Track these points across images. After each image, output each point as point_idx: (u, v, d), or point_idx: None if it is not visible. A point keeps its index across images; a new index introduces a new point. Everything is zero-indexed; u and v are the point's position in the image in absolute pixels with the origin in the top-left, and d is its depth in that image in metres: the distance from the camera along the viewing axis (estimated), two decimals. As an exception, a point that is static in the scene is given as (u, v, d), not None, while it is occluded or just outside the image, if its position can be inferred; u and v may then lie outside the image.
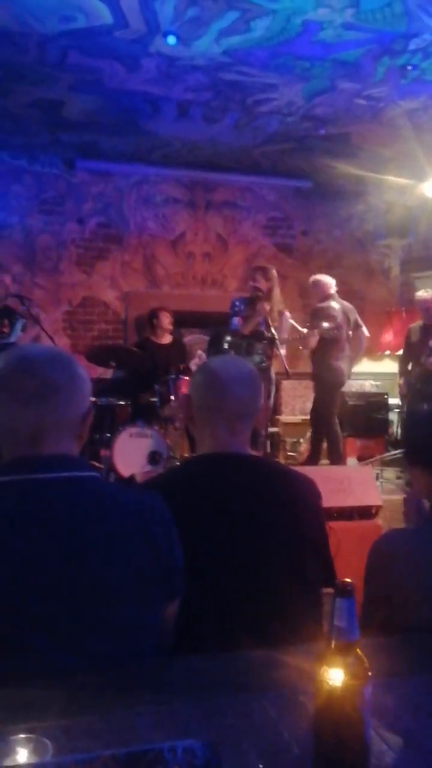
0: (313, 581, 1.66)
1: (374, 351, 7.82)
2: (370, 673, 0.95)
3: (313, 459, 5.99)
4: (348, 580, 0.96)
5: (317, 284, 6.03)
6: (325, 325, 5.58)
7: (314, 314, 5.83)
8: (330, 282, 6.03)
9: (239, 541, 1.61)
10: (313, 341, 5.77)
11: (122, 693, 1.18)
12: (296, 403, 7.33)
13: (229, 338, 5.26)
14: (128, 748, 0.91)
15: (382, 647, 1.30)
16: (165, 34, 4.41)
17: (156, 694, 1.18)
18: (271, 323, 4.99)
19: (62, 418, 1.37)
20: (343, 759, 0.95)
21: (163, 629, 1.42)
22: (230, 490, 1.66)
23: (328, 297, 5.93)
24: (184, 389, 5.40)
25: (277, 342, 4.91)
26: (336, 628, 0.95)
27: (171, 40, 4.47)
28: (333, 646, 0.95)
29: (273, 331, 4.94)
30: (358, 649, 0.95)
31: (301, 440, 7.02)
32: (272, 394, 5.56)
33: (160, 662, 1.34)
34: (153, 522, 1.38)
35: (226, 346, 5.24)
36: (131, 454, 5.43)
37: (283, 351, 5.07)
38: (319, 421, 6.00)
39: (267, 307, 5.11)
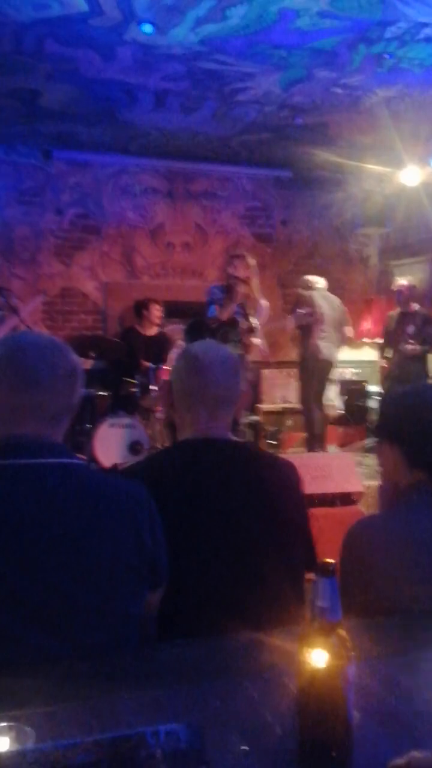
0: (296, 565, 1.68)
1: (354, 339, 7.86)
2: (353, 653, 0.96)
3: (311, 441, 6.11)
4: (329, 560, 0.96)
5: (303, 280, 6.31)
6: (300, 311, 5.71)
7: (294, 301, 5.99)
8: (316, 279, 6.32)
9: (221, 527, 1.62)
10: (289, 325, 5.90)
11: (105, 680, 1.18)
12: (276, 392, 7.35)
13: (205, 326, 5.28)
14: (111, 733, 0.91)
15: (364, 628, 1.32)
16: (141, 23, 4.37)
17: (139, 680, 1.18)
18: (248, 312, 5.00)
19: (47, 406, 1.38)
20: (326, 739, 0.96)
21: (146, 618, 1.42)
22: (211, 476, 1.67)
23: (310, 289, 6.11)
24: (165, 379, 5.40)
25: (256, 330, 4.92)
26: (318, 608, 0.95)
27: (147, 28, 4.44)
28: (315, 626, 0.95)
29: (251, 319, 4.94)
30: (340, 629, 0.96)
31: (281, 429, 7.05)
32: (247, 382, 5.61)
33: (142, 649, 1.36)
34: (137, 509, 1.39)
35: (203, 333, 5.26)
36: (112, 444, 5.43)
37: (260, 339, 5.09)
38: (302, 404, 6.15)
39: (244, 292, 5.12)
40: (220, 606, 1.53)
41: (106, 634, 1.30)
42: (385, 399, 1.80)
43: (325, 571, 0.96)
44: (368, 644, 1.23)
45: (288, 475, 1.78)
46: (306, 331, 6.06)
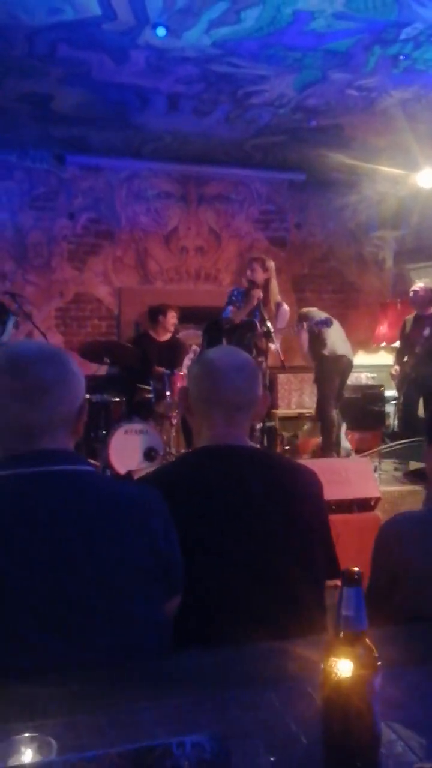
0: (317, 572, 1.64)
1: (369, 343, 7.82)
2: (379, 663, 0.93)
3: (326, 445, 6.08)
4: (355, 568, 0.93)
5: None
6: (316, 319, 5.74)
7: (299, 317, 6.06)
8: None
9: (239, 535, 1.59)
10: (305, 339, 5.95)
11: (127, 689, 1.16)
12: (292, 397, 7.31)
13: (221, 327, 5.28)
14: (135, 744, 0.89)
15: (390, 637, 1.29)
16: (154, 26, 4.36)
17: (161, 689, 1.16)
18: (266, 315, 4.97)
19: (55, 415, 1.37)
20: (352, 750, 0.93)
21: (164, 625, 1.40)
22: (229, 483, 1.64)
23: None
24: (180, 384, 5.38)
25: (273, 335, 4.89)
26: (344, 617, 0.93)
27: (160, 31, 4.43)
28: (341, 636, 0.93)
29: (268, 324, 4.92)
30: (366, 639, 0.93)
31: (297, 434, 7.01)
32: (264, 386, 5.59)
33: (164, 657, 1.33)
34: (150, 516, 1.38)
35: (218, 335, 5.26)
36: (127, 451, 5.41)
37: (278, 344, 5.07)
38: (318, 407, 6.09)
39: (260, 296, 5.09)
40: (239, 614, 1.50)
41: (125, 642, 1.28)
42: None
43: (350, 580, 0.94)
44: (393, 652, 1.20)
45: (309, 482, 1.75)
46: (319, 335, 6.02)
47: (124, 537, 1.32)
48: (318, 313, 6.07)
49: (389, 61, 4.87)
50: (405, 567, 1.52)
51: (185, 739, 0.88)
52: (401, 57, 4.81)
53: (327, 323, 5.65)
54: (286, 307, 5.43)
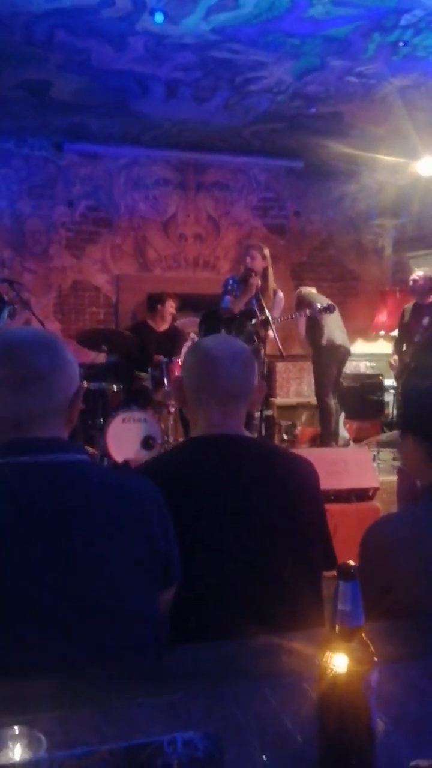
0: (313, 564, 1.64)
1: (368, 332, 7.80)
2: (375, 659, 0.93)
3: (325, 434, 6.09)
4: (351, 562, 0.93)
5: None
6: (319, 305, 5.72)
7: (298, 300, 6.11)
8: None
9: (236, 525, 1.58)
10: (302, 324, 5.96)
11: (120, 684, 1.15)
12: (291, 386, 7.30)
13: (219, 317, 5.25)
14: (127, 741, 0.88)
15: (385, 632, 1.28)
16: (152, 12, 4.32)
17: (155, 685, 1.16)
18: (265, 304, 4.95)
19: (49, 403, 1.35)
20: (348, 746, 0.93)
21: (160, 617, 1.39)
22: (225, 473, 1.63)
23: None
24: (178, 372, 5.36)
25: (271, 323, 4.88)
26: (340, 612, 0.92)
27: (158, 17, 4.38)
28: (337, 631, 0.92)
29: (267, 311, 4.90)
30: (363, 634, 0.93)
31: (296, 423, 7.00)
32: (262, 375, 5.57)
33: (158, 652, 1.32)
34: (145, 506, 1.37)
35: (216, 325, 5.23)
36: (125, 439, 5.39)
37: (276, 332, 5.05)
38: (317, 393, 6.12)
39: (259, 284, 5.07)
40: (235, 606, 1.50)
41: (120, 635, 1.28)
42: (411, 392, 1.78)
43: (347, 574, 0.93)
44: (389, 648, 1.19)
45: (305, 472, 1.73)
46: (317, 323, 6.03)
47: (119, 528, 1.31)
48: (319, 298, 6.06)
49: (389, 48, 4.83)
50: (396, 572, 1.51)
51: (177, 737, 0.88)
52: (401, 44, 4.76)
53: (329, 310, 5.64)
54: (281, 294, 5.41)
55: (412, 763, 0.90)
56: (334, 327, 6.12)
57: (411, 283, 6.25)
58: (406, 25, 4.50)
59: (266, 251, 5.28)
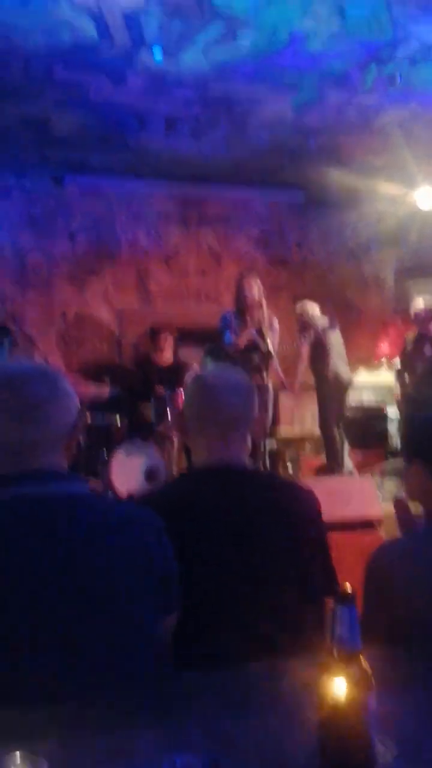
0: (316, 592, 1.62)
1: (371, 361, 7.78)
2: (373, 683, 0.89)
3: (332, 466, 6.04)
4: (349, 586, 0.90)
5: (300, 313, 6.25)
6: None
7: (300, 322, 6.12)
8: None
9: (238, 554, 1.58)
10: (304, 352, 5.96)
11: (122, 710, 1.16)
12: (294, 418, 7.26)
13: (225, 353, 5.23)
14: (127, 765, 0.86)
15: (385, 657, 1.26)
16: (151, 48, 4.40)
17: (157, 711, 1.16)
18: (266, 334, 4.95)
19: (48, 434, 1.38)
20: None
21: (162, 643, 1.39)
22: (226, 503, 1.63)
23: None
24: (180, 404, 5.34)
25: (274, 354, 4.87)
26: (338, 637, 0.89)
27: (157, 54, 4.46)
28: (336, 656, 0.89)
29: (269, 342, 4.89)
30: (361, 658, 0.90)
31: (300, 455, 6.95)
32: (270, 408, 5.54)
33: (161, 678, 1.32)
34: (146, 534, 1.38)
35: (221, 360, 5.21)
36: (128, 471, 5.36)
37: (278, 363, 5.05)
38: (322, 425, 6.07)
39: (260, 316, 5.07)
40: (238, 632, 1.50)
41: (124, 661, 1.28)
42: (415, 419, 1.78)
43: (344, 599, 0.91)
44: (389, 673, 1.17)
45: (306, 501, 1.75)
46: (322, 352, 6.02)
47: (121, 557, 1.32)
48: (320, 317, 6.03)
49: (385, 80, 4.90)
50: (398, 597, 1.48)
51: (176, 760, 0.86)
52: (398, 76, 4.83)
53: (332, 326, 5.64)
54: (276, 323, 5.39)
55: None
56: (338, 359, 6.11)
57: (413, 313, 6.26)
58: (402, 57, 4.57)
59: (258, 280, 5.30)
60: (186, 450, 5.46)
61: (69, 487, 1.37)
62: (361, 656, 0.90)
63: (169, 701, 1.20)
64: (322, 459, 6.40)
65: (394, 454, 6.78)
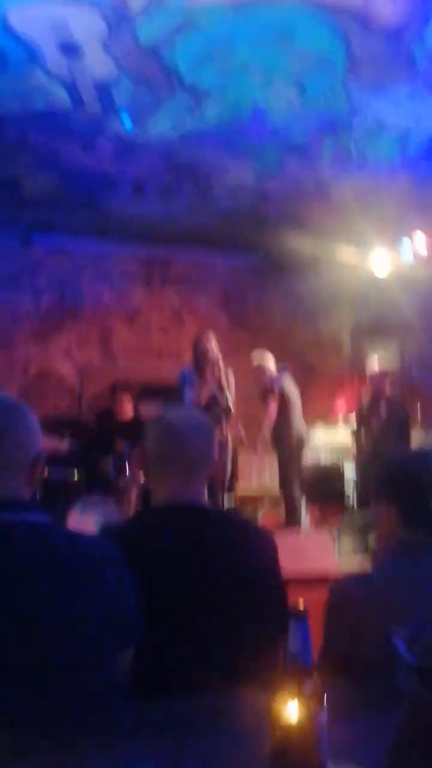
0: (270, 630, 1.64)
1: (328, 420, 7.92)
2: (324, 698, 0.95)
3: (291, 524, 6.03)
4: (301, 602, 0.96)
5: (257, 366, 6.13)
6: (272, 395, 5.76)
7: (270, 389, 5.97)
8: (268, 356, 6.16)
9: (194, 591, 1.59)
10: (273, 409, 5.90)
11: (77, 740, 1.15)
12: (253, 476, 7.30)
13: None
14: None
15: (339, 686, 1.29)
16: (121, 117, 4.59)
17: (112, 740, 1.15)
18: (226, 388, 5.05)
19: (11, 461, 1.40)
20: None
21: (119, 677, 1.38)
22: (183, 541, 1.65)
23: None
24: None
25: (232, 408, 4.96)
26: (290, 652, 0.95)
27: (126, 122, 4.67)
28: (288, 670, 0.94)
29: (228, 396, 4.99)
30: (313, 674, 0.95)
31: (259, 512, 6.97)
32: (228, 463, 5.59)
33: (115, 708, 1.32)
34: (104, 565, 1.38)
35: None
36: (85, 526, 5.31)
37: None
38: (283, 483, 6.07)
39: (219, 371, 5.16)
40: (195, 670, 1.49)
41: (80, 694, 1.27)
42: (384, 462, 1.88)
43: (297, 616, 0.96)
44: (344, 699, 1.21)
45: (261, 540, 1.77)
46: (286, 410, 6.05)
47: (78, 587, 1.32)
48: (275, 370, 6.00)
49: (342, 152, 5.18)
50: (356, 628, 1.53)
51: None
52: (353, 148, 5.11)
53: (286, 369, 5.70)
54: (233, 380, 5.46)
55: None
56: (298, 419, 6.15)
57: (369, 377, 6.47)
58: (358, 131, 4.85)
59: None
60: (144, 505, 5.46)
61: (31, 516, 1.37)
62: (312, 672, 0.95)
63: (124, 730, 1.20)
64: (280, 515, 6.43)
65: (350, 512, 6.85)
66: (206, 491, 1.81)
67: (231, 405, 4.94)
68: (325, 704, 0.94)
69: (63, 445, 5.94)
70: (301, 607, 0.96)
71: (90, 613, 1.32)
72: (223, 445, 5.03)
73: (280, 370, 5.80)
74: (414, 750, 1.00)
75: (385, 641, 1.46)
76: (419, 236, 6.67)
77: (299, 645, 0.95)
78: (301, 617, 0.95)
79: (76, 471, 5.89)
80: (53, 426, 5.83)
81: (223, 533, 1.71)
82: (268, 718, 0.98)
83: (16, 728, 1.15)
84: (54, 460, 5.76)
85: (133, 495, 5.69)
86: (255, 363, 6.08)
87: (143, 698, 1.40)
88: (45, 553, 1.33)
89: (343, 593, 1.62)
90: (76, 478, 5.87)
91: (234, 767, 1.06)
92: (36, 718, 1.19)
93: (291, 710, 0.93)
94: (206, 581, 1.61)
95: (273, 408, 5.85)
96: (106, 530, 1.74)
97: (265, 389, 5.83)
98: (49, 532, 1.39)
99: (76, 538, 1.49)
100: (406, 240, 6.78)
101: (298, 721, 0.93)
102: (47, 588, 1.29)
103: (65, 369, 7.42)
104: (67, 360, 7.43)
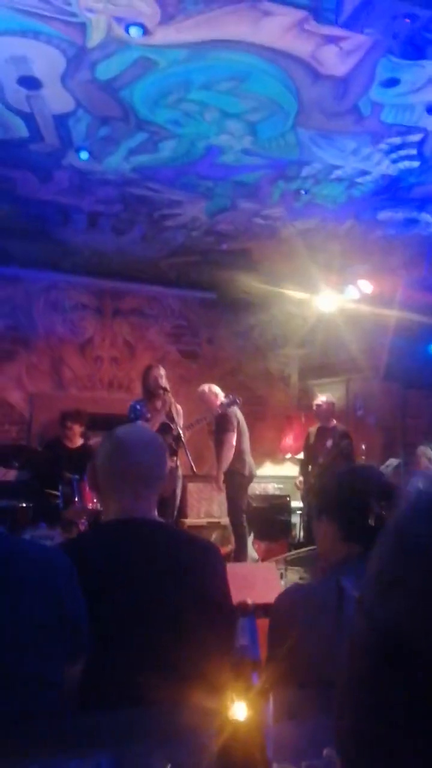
0: (218, 643, 1.69)
1: (276, 454, 8.03)
2: (270, 692, 1.00)
3: (239, 555, 6.01)
4: (249, 600, 1.02)
5: (206, 396, 6.10)
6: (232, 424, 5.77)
7: (226, 419, 5.92)
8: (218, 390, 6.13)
9: (143, 604, 1.62)
10: (233, 440, 5.88)
11: (17, 747, 1.15)
12: (201, 506, 7.34)
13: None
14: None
15: (284, 689, 1.34)
16: (77, 150, 4.69)
17: (53, 747, 1.16)
18: (176, 418, 5.11)
19: None
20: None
21: (66, 690, 1.39)
22: (133, 555, 1.69)
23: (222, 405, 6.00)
24: (89, 490, 5.35)
25: (183, 439, 5.01)
26: (239, 647, 1.00)
27: (83, 155, 4.76)
28: (237, 664, 1.00)
29: (179, 426, 5.04)
30: (259, 668, 1.01)
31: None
32: (178, 493, 5.61)
33: (61, 717, 1.33)
34: (55, 574, 1.40)
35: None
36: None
37: (187, 450, 5.16)
38: (231, 513, 6.07)
39: (170, 401, 5.22)
40: (141, 682, 1.52)
41: (26, 700, 1.28)
42: (323, 478, 1.95)
43: (244, 611, 1.02)
44: (289, 704, 1.26)
45: (208, 555, 1.81)
46: (240, 442, 6.03)
47: (27, 595, 1.34)
48: (226, 403, 5.96)
49: (291, 194, 5.38)
50: (298, 638, 1.59)
51: (84, 764, 0.90)
52: (302, 192, 5.31)
53: (237, 402, 5.71)
54: (181, 410, 5.50)
55: (304, 764, 0.95)
56: (248, 454, 6.16)
57: (315, 407, 6.59)
58: (307, 175, 5.05)
59: None
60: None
61: None
62: (259, 666, 1.01)
63: (66, 738, 1.20)
64: (228, 547, 6.45)
65: (297, 545, 6.93)
66: (156, 509, 1.85)
67: (181, 434, 4.99)
68: (271, 702, 0.99)
69: (10, 474, 5.88)
70: (249, 603, 1.01)
71: (38, 619, 1.33)
72: (173, 473, 5.06)
73: (230, 400, 5.85)
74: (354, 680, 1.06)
75: (336, 585, 1.52)
76: (363, 283, 6.92)
77: (248, 639, 1.00)
78: (249, 613, 1.01)
79: (24, 502, 5.82)
80: (2, 454, 5.78)
81: (172, 546, 1.76)
82: (215, 718, 1.02)
83: None
84: (1, 489, 5.70)
85: (82, 526, 5.65)
86: (205, 389, 6.08)
87: (90, 709, 1.41)
88: None
89: (285, 598, 1.68)
90: (24, 508, 5.80)
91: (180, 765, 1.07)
92: None
93: (239, 706, 0.97)
94: (155, 593, 1.64)
95: (232, 438, 5.83)
96: (58, 544, 1.77)
97: (217, 415, 5.83)
98: (1, 540, 1.41)
99: (28, 545, 1.51)
100: (350, 288, 7.02)
101: (246, 717, 0.97)
102: None
103: (15, 397, 7.38)
104: (17, 388, 7.39)
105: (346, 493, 1.76)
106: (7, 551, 1.39)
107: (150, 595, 1.64)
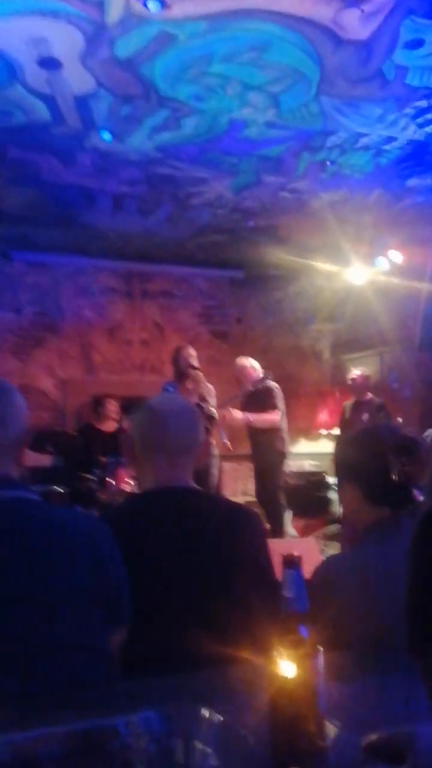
0: (260, 609, 1.67)
1: (310, 431, 7.99)
2: (319, 646, 0.98)
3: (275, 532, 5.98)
4: (295, 552, 1.00)
5: (246, 370, 6.03)
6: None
7: (270, 394, 5.81)
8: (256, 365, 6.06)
9: (183, 573, 1.62)
10: (276, 415, 5.76)
11: (73, 710, 1.13)
12: (237, 486, 7.35)
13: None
14: (83, 724, 0.90)
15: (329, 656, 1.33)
16: (100, 131, 4.66)
17: (109, 706, 1.16)
18: (207, 398, 5.10)
19: (3, 438, 1.42)
20: (297, 730, 0.96)
21: (110, 657, 1.40)
22: (172, 523, 1.68)
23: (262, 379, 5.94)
24: (123, 473, 5.38)
25: (216, 418, 5.00)
26: (285, 599, 0.99)
27: (106, 136, 4.73)
28: (284, 616, 0.98)
29: (211, 407, 5.03)
30: (307, 621, 0.99)
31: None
32: (215, 473, 5.61)
33: (109, 684, 1.34)
34: (95, 542, 1.40)
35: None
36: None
37: (223, 431, 5.15)
38: (265, 495, 6.04)
39: (201, 381, 5.21)
40: (188, 646, 1.51)
41: (72, 671, 1.28)
42: (341, 442, 1.91)
43: (290, 563, 1.00)
44: (336, 665, 1.24)
45: (249, 522, 1.80)
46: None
47: (70, 563, 1.34)
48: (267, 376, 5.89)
49: (317, 166, 5.29)
50: (338, 611, 1.57)
51: (132, 719, 0.90)
52: (328, 163, 5.22)
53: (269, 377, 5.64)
54: (213, 390, 5.47)
55: (365, 740, 0.94)
56: (287, 433, 6.08)
57: (350, 381, 6.53)
58: (332, 145, 4.96)
59: None
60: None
61: (17, 492, 1.39)
62: (306, 619, 0.99)
63: (120, 699, 1.21)
64: (265, 525, 6.44)
65: (336, 520, 6.90)
66: (192, 472, 1.83)
67: (214, 413, 4.98)
68: (321, 656, 0.97)
69: (45, 459, 5.94)
70: (294, 555, 1.00)
71: (81, 587, 1.34)
72: (207, 448, 5.06)
73: (264, 376, 5.79)
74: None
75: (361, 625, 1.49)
76: (394, 254, 6.80)
77: (294, 591, 0.99)
78: (295, 564, 0.99)
79: (59, 486, 5.88)
80: (35, 441, 5.83)
81: (211, 512, 1.75)
82: (264, 675, 1.00)
83: (5, 706, 1.15)
84: (36, 474, 5.76)
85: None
86: (244, 363, 5.97)
87: (134, 677, 1.41)
88: (34, 529, 1.35)
89: (321, 569, 1.66)
90: (60, 493, 5.85)
91: (231, 727, 1.06)
92: (26, 696, 1.20)
93: (287, 662, 0.96)
94: (196, 559, 1.63)
95: (277, 415, 5.71)
96: (98, 515, 1.78)
97: (258, 389, 5.71)
98: (37, 508, 1.41)
99: (70, 514, 1.51)
100: (381, 259, 6.92)
101: (296, 673, 0.95)
102: (36, 564, 1.31)
103: (47, 384, 7.44)
104: (48, 375, 7.45)
105: (362, 455, 1.72)
106: (51, 520, 1.40)
107: (191, 559, 1.64)
